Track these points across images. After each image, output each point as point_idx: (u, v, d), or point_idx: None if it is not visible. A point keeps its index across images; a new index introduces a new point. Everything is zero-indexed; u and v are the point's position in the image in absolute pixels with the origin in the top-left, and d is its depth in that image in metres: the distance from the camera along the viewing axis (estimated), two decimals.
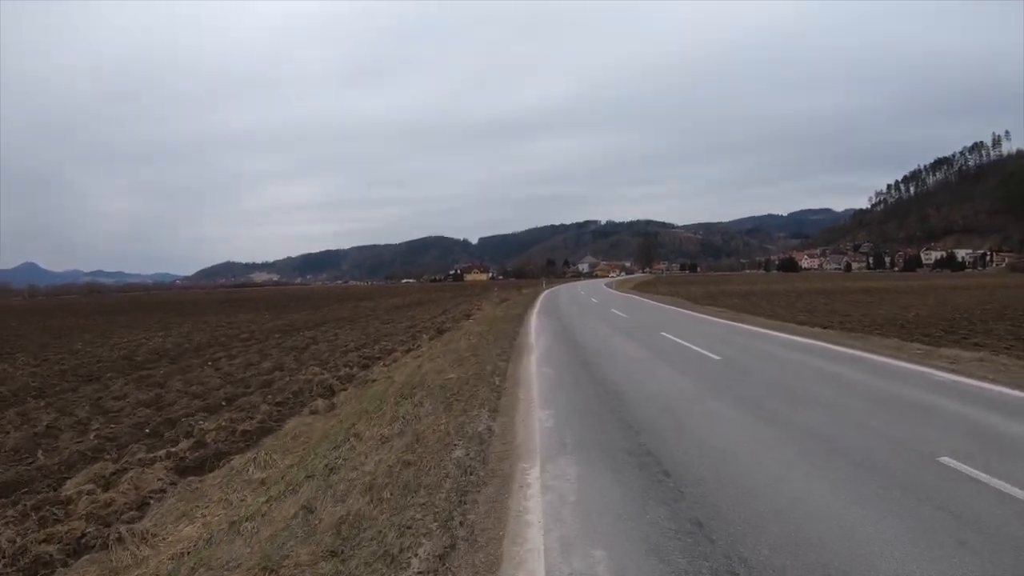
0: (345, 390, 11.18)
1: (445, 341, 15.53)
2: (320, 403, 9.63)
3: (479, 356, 10.73)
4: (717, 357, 10.60)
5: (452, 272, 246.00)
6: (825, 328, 16.11)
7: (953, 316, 19.78)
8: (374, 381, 11.45)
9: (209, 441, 8.61)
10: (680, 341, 12.91)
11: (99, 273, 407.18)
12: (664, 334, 14.52)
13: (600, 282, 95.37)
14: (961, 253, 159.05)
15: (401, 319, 31.85)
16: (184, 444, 8.66)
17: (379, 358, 15.54)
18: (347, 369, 13.74)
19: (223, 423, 9.51)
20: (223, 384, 13.92)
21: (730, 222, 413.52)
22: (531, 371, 10.01)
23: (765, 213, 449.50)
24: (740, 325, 17.09)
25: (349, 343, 20.43)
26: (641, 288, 61.62)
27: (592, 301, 34.00)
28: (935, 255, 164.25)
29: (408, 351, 16.05)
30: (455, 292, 75.82)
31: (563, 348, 12.58)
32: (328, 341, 21.86)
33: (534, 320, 21.15)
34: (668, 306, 28.09)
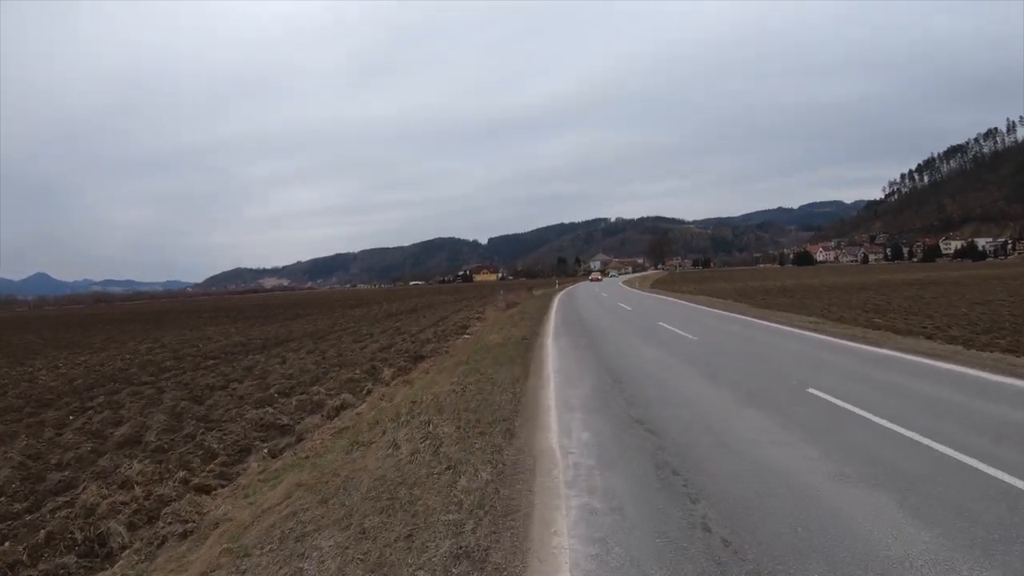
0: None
1: (393, 403, 8.87)
2: None
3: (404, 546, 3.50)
4: None
5: (461, 273, 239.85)
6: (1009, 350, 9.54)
7: None
8: (183, 535, 5.05)
9: None
10: (907, 433, 5.47)
11: (109, 282, 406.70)
12: (827, 397, 6.97)
13: (616, 281, 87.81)
14: (981, 242, 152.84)
15: (382, 334, 25.53)
16: None
17: (286, 429, 9.16)
18: (190, 472, 7.34)
19: None
20: None
21: (740, 216, 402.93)
22: None
23: (775, 207, 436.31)
24: (906, 356, 9.87)
25: (279, 383, 14.07)
26: (663, 286, 55.06)
27: (623, 308, 27.14)
28: (954, 245, 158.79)
29: (339, 411, 9.63)
30: (460, 295, 69.41)
31: (644, 486, 4.68)
32: (258, 377, 15.52)
33: (551, 350, 13.11)
34: (727, 313, 21.23)
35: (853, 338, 12.93)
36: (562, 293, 50.98)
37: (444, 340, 20.25)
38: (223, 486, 6.94)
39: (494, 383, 8.77)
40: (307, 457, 7.02)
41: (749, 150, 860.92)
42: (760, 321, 17.48)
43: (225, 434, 9.20)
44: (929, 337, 13.05)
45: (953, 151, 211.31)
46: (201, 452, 8.34)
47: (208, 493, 6.81)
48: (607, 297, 38.15)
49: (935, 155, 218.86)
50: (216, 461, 7.84)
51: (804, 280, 57.76)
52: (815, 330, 14.61)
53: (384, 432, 6.22)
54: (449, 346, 18.54)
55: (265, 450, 7.78)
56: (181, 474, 7.20)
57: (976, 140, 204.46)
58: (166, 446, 9.41)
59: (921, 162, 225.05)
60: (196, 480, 7.05)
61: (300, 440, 8.16)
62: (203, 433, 9.25)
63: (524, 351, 12.74)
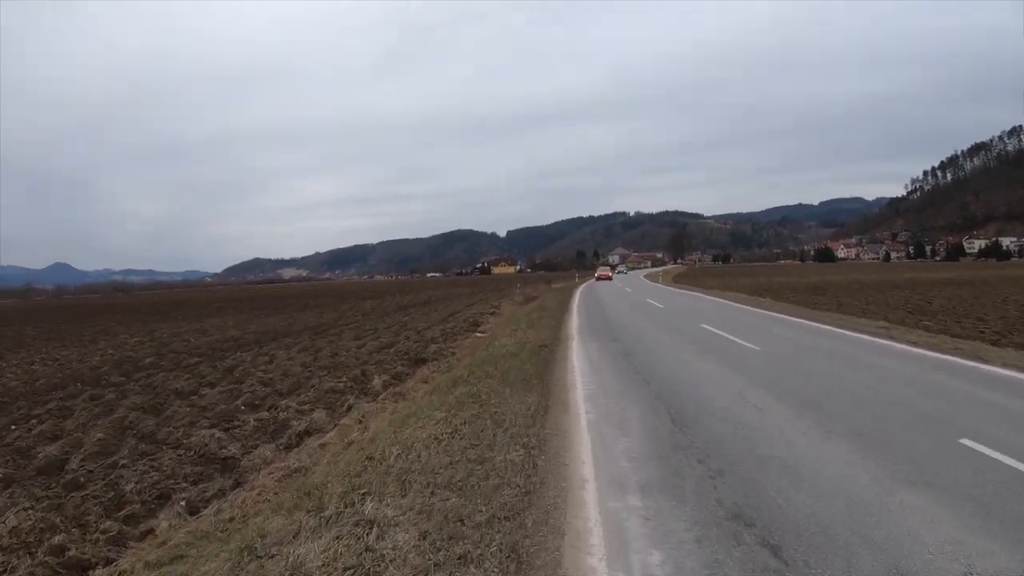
0: None
1: (356, 441, 6.61)
2: None
3: None
4: None
5: (479, 265, 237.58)
6: None
7: None
8: None
9: None
10: None
11: (129, 272, 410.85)
12: (1008, 461, 4.51)
13: (637, 274, 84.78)
14: (1006, 241, 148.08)
15: (386, 330, 23.48)
16: None
17: (228, 464, 7.06)
18: (81, 529, 5.19)
19: None
20: None
21: (760, 212, 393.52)
22: None
23: (795, 203, 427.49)
24: None
25: (253, 389, 12.00)
26: (687, 281, 52.44)
27: (653, 305, 24.67)
28: (978, 244, 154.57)
29: (302, 439, 7.53)
30: (476, 287, 67.26)
31: None
32: (235, 381, 13.49)
33: (577, 364, 10.19)
34: (772, 313, 18.66)
35: (943, 350, 10.48)
36: (583, 286, 48.54)
37: (452, 339, 18.11)
38: (109, 560, 4.84)
39: (498, 423, 6.10)
40: (231, 518, 4.89)
41: (770, 146, 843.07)
42: (818, 325, 14.94)
43: (154, 466, 7.11)
44: (995, 344, 11.60)
45: (977, 149, 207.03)
46: (111, 495, 6.27)
47: (85, 572, 4.73)
48: (631, 292, 35.71)
49: (959, 152, 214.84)
50: (121, 513, 5.76)
51: (828, 277, 55.21)
52: (890, 338, 12.12)
53: (297, 532, 3.52)
54: (456, 346, 16.39)
55: (183, 502, 5.66)
56: (58, 539, 5.10)
57: (1000, 138, 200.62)
58: (83, 478, 7.38)
59: (944, 159, 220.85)
60: (74, 551, 4.95)
61: (237, 485, 6.04)
62: (126, 465, 7.16)
63: (543, 365, 9.99)
